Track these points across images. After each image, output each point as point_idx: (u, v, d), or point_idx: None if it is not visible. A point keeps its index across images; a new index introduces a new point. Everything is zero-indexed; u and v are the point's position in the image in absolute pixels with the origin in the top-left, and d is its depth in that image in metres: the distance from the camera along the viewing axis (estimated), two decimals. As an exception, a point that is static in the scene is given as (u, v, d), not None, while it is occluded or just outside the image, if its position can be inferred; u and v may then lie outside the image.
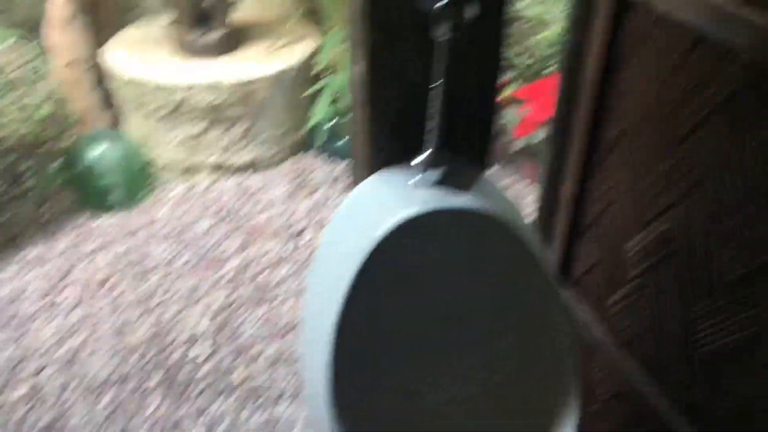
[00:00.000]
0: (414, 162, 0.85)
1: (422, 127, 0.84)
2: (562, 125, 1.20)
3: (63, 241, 2.51)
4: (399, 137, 0.88)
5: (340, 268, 0.79)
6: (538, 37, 2.64)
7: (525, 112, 2.53)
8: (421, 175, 0.83)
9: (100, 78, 2.84)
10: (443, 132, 0.81)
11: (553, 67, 2.59)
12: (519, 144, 2.61)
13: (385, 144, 0.89)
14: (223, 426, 1.84)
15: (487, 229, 0.81)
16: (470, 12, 0.74)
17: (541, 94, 2.50)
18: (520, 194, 2.72)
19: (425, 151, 0.84)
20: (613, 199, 1.09)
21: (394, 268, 0.84)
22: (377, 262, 0.77)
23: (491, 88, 0.91)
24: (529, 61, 2.66)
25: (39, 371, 1.99)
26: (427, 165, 0.83)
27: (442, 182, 0.82)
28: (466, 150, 0.91)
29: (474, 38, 0.82)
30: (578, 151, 1.15)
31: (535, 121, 2.47)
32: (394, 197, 0.83)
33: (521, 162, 2.79)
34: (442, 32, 0.75)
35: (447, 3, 0.71)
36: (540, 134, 2.46)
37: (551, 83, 2.51)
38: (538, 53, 2.65)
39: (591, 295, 1.19)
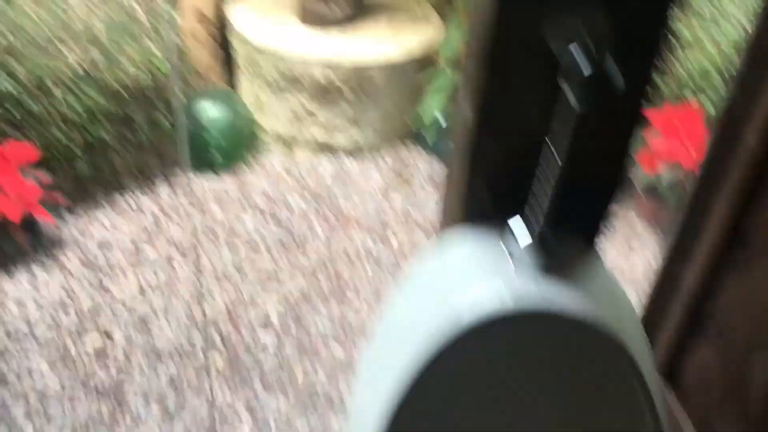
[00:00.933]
0: (515, 232, 0.71)
1: (525, 189, 0.69)
2: (708, 179, 0.98)
3: (161, 195, 2.53)
4: (496, 197, 0.74)
5: (399, 356, 0.67)
6: (686, 57, 2.36)
7: (654, 135, 2.25)
8: (521, 257, 0.69)
9: (223, 37, 2.84)
10: (556, 212, 0.67)
11: (696, 96, 2.31)
12: (641, 178, 2.34)
13: (479, 201, 0.76)
14: (272, 425, 1.80)
15: (590, 338, 0.66)
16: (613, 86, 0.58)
17: (676, 123, 2.23)
18: (633, 237, 2.47)
19: (526, 216, 0.70)
20: (757, 292, 0.89)
21: (464, 366, 0.71)
22: (445, 357, 0.64)
23: (620, 167, 0.75)
24: (669, 83, 2.38)
25: (113, 325, 2.01)
26: (532, 247, 0.69)
27: (545, 269, 0.68)
28: (576, 226, 0.76)
29: (609, 110, 0.66)
30: (722, 219, 0.94)
31: (666, 154, 2.21)
32: (484, 278, 0.69)
33: (638, 198, 2.52)
34: (575, 99, 0.60)
35: (590, 76, 0.56)
36: (668, 176, 2.20)
37: (693, 115, 2.24)
38: (681, 75, 2.36)
39: (699, 411, 1.00)
